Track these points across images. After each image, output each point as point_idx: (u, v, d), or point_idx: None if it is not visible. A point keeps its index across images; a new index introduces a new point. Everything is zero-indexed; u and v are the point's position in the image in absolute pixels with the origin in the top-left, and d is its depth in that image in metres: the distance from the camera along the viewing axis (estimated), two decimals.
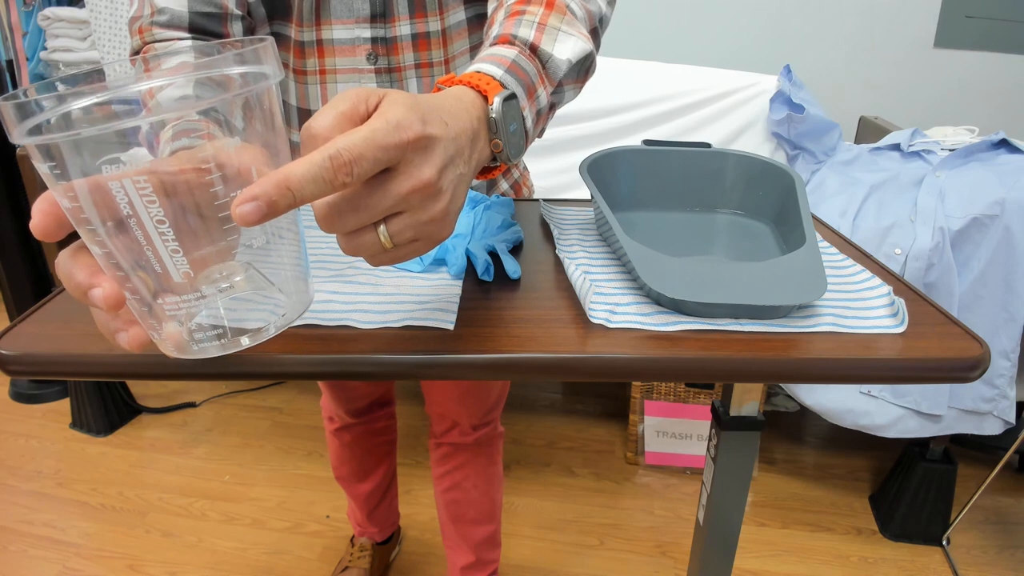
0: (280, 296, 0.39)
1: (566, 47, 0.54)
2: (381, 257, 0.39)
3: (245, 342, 0.38)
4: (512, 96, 0.46)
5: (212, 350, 0.38)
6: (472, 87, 0.44)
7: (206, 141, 0.35)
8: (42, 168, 0.31)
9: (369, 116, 0.36)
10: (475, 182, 0.80)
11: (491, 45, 0.53)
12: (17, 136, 0.30)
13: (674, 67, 1.84)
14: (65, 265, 0.35)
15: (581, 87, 0.59)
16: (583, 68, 0.57)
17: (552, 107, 0.55)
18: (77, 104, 0.30)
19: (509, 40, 0.52)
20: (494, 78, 0.47)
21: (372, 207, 0.36)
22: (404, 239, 0.38)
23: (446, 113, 0.39)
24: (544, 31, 0.53)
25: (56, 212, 0.33)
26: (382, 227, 0.37)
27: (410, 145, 0.35)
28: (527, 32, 0.53)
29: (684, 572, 1.40)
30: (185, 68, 0.32)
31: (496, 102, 0.44)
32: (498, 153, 0.45)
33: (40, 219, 0.33)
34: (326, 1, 0.69)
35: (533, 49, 0.52)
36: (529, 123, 0.49)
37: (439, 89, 0.46)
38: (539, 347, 0.46)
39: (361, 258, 0.41)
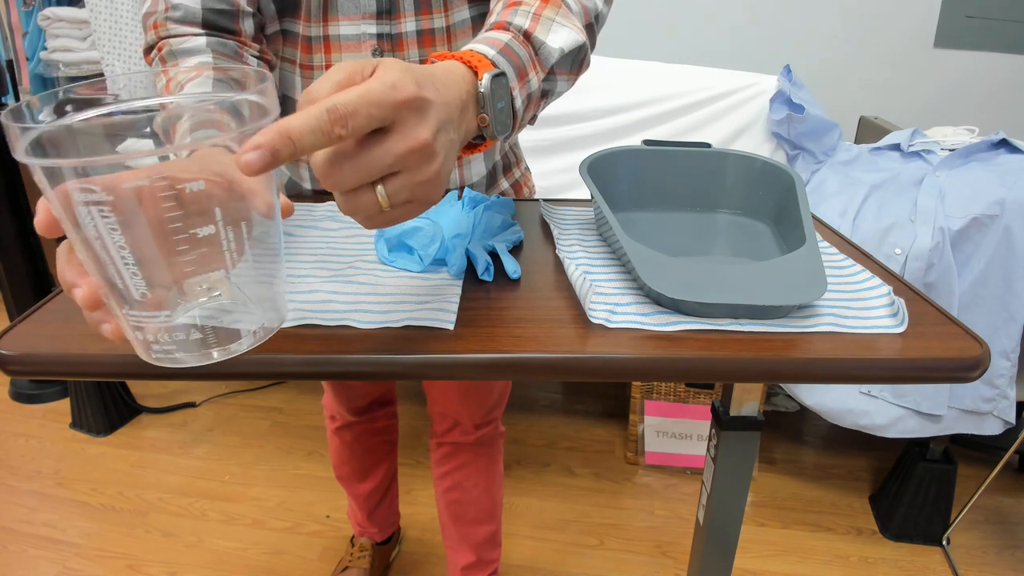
0: (255, 311, 0.39)
1: (559, 36, 0.56)
2: (377, 219, 0.41)
3: (215, 355, 0.38)
4: (502, 75, 0.48)
5: (190, 359, 0.38)
6: (463, 62, 0.47)
7: (216, 131, 0.36)
8: (38, 176, 0.32)
9: None
10: (474, 180, 0.82)
11: (487, 31, 0.55)
12: (19, 154, 0.31)
13: (674, 67, 1.84)
14: (60, 261, 0.37)
15: (575, 79, 0.61)
16: (576, 59, 0.59)
17: (545, 94, 0.57)
18: (78, 117, 0.31)
19: (504, 26, 0.54)
20: (486, 56, 0.49)
21: (371, 164, 0.38)
22: (400, 199, 0.40)
23: (438, 81, 0.41)
24: (539, 20, 0.56)
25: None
26: (379, 187, 0.39)
27: (404, 104, 0.37)
28: (522, 20, 0.55)
29: (684, 572, 1.40)
30: (201, 75, 0.33)
31: (485, 78, 0.46)
32: (484, 128, 0.47)
33: (44, 216, 0.35)
34: None
35: (527, 36, 0.54)
36: (519, 104, 0.51)
37: (432, 62, 0.47)
38: (539, 347, 0.46)
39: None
